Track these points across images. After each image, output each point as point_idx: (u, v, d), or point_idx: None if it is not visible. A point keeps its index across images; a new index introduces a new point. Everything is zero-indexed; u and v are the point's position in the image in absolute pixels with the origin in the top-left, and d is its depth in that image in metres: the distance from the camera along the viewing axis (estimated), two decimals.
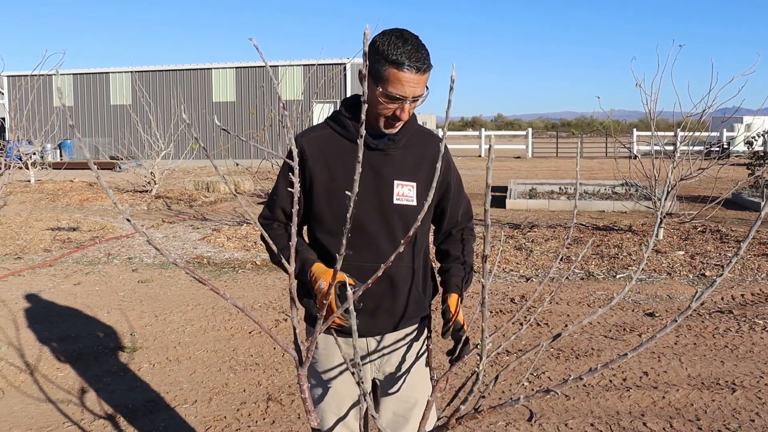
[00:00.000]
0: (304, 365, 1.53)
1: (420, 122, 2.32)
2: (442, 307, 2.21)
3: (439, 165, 1.32)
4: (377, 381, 2.38)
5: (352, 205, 1.29)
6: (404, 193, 2.20)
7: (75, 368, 4.88)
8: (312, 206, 2.22)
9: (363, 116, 1.23)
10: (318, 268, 2.10)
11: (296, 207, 1.48)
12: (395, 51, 1.98)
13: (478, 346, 1.39)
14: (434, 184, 1.31)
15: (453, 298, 2.21)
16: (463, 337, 2.11)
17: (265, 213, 2.31)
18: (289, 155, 1.88)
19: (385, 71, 2.00)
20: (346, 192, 1.34)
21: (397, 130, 2.16)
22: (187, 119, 1.43)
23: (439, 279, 2.39)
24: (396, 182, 2.19)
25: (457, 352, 2.09)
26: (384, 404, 2.36)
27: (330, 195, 2.18)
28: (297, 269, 2.15)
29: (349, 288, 1.31)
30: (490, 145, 1.16)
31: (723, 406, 4.14)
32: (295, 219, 1.49)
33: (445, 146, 2.29)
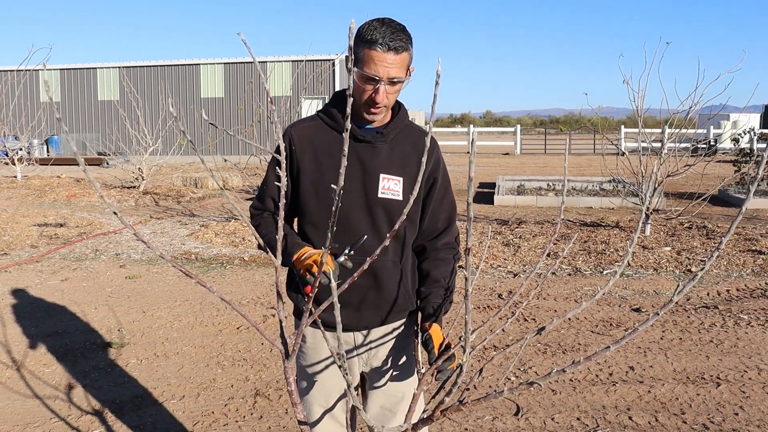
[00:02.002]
0: (290, 358, 1.54)
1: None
2: (422, 335, 2.17)
3: (424, 159, 1.33)
4: (365, 375, 2.39)
5: (337, 198, 1.30)
6: (390, 187, 2.19)
7: (62, 364, 4.87)
8: (299, 197, 2.23)
9: (348, 110, 1.23)
10: (307, 248, 2.12)
11: (283, 201, 1.49)
12: (371, 32, 2.02)
13: (462, 338, 1.40)
14: (419, 177, 1.31)
15: (435, 328, 2.16)
16: (452, 361, 2.02)
17: (256, 203, 2.34)
18: (278, 149, 1.89)
19: (362, 53, 2.04)
20: (332, 185, 1.35)
21: (379, 116, 2.14)
22: (174, 113, 1.43)
23: (416, 300, 2.35)
24: (382, 176, 2.19)
25: (447, 374, 2.00)
26: (371, 398, 2.37)
27: (317, 187, 2.19)
28: (283, 248, 2.15)
29: (329, 269, 1.31)
30: (472, 139, 1.17)
31: (707, 399, 4.18)
32: (282, 213, 1.50)
33: (436, 144, 2.29)
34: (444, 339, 2.14)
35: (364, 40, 2.03)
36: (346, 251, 2.05)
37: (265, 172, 2.32)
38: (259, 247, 2.20)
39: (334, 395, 2.30)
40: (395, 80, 2.06)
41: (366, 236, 2.09)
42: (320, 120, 2.24)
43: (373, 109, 2.11)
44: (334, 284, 1.30)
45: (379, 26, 2.03)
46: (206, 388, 4.47)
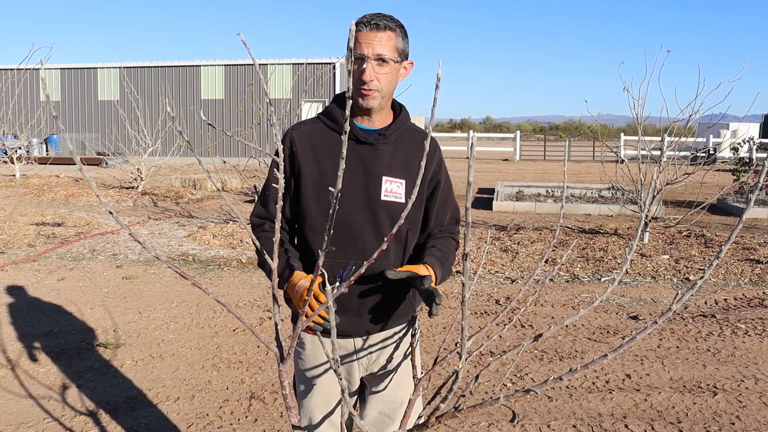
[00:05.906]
0: (285, 361, 1.53)
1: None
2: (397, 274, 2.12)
3: (423, 162, 1.31)
4: (364, 380, 2.37)
5: (335, 200, 1.29)
6: (392, 189, 2.18)
7: (57, 364, 4.85)
8: (300, 201, 2.20)
9: (348, 111, 1.22)
10: (298, 275, 2.09)
11: (280, 203, 1.47)
12: (359, 20, 2.06)
13: (458, 344, 1.39)
14: (418, 181, 1.30)
15: (416, 267, 2.14)
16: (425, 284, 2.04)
17: (259, 211, 2.28)
18: (277, 152, 1.87)
19: (351, 39, 2.06)
20: (330, 188, 1.34)
21: (373, 101, 2.11)
22: (172, 113, 1.42)
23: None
24: (384, 178, 2.17)
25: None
26: (370, 403, 2.34)
27: (318, 189, 2.16)
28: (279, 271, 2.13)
29: (328, 285, 1.30)
30: (471, 143, 1.16)
31: (704, 408, 4.17)
32: (279, 215, 1.48)
33: (438, 146, 2.28)
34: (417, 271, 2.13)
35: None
36: (337, 281, 2.05)
37: (267, 176, 2.29)
38: (259, 264, 2.19)
39: (333, 401, 2.27)
40: (382, 57, 2.06)
41: (354, 265, 2.09)
42: (321, 122, 2.23)
43: (363, 90, 2.08)
44: (328, 288, 1.28)
45: (367, 14, 2.09)
46: (201, 390, 4.45)
